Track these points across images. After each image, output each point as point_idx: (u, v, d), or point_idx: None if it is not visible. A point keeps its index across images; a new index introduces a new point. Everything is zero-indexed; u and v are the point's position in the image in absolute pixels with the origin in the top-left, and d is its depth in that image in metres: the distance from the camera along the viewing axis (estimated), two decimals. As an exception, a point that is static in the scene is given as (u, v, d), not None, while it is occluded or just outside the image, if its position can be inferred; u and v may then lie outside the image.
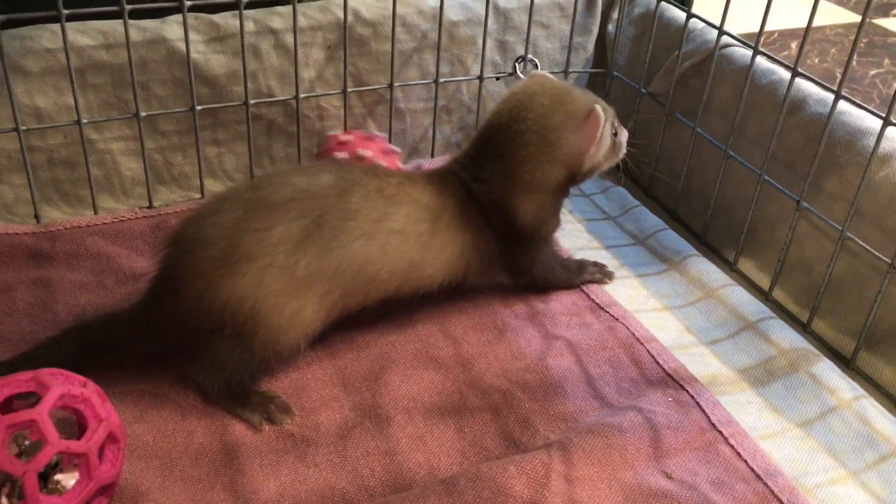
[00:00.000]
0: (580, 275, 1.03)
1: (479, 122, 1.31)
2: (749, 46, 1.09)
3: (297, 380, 0.88)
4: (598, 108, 0.91)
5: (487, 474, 0.75)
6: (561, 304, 1.01)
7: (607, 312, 1.00)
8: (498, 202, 0.92)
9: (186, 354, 0.83)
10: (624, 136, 1.00)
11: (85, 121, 1.05)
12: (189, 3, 1.03)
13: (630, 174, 1.31)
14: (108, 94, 1.08)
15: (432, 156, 1.30)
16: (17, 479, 0.67)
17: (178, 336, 0.82)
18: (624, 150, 1.00)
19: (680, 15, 1.22)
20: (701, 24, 1.18)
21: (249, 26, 1.11)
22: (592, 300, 1.02)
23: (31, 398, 0.69)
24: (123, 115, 1.09)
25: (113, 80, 1.08)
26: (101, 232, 1.07)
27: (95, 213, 1.11)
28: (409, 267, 0.88)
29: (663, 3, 1.23)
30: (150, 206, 1.14)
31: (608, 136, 0.95)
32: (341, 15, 1.16)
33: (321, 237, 0.82)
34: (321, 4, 1.17)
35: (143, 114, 1.08)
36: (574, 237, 1.15)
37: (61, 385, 0.68)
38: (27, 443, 0.70)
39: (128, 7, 1.00)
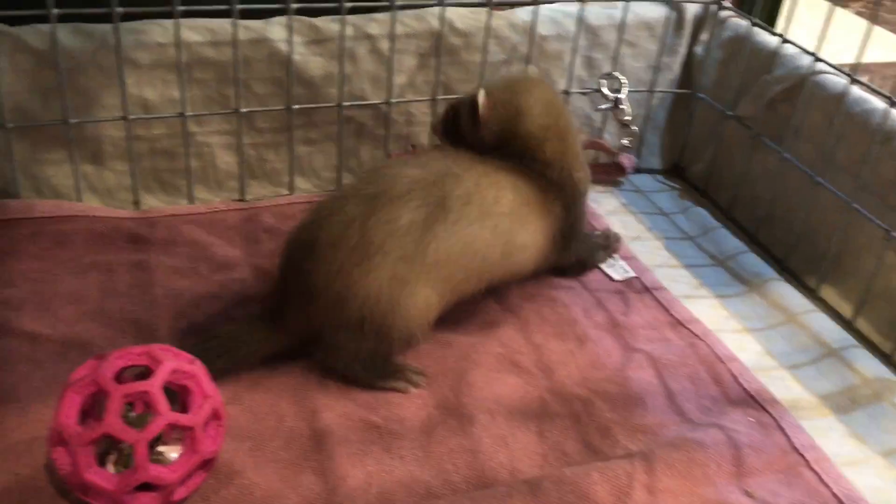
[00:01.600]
0: (606, 246, 1.11)
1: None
2: (844, 74, 1.09)
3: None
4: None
5: (572, 478, 0.76)
6: (641, 317, 1.02)
7: (688, 329, 1.00)
8: (567, 180, 0.97)
9: (320, 348, 0.86)
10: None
11: (189, 114, 1.10)
12: (295, 6, 1.07)
13: (709, 196, 1.32)
14: (210, 89, 1.13)
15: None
16: (126, 446, 0.70)
17: (313, 335, 0.86)
18: None
19: (770, 39, 1.22)
20: (793, 50, 1.18)
21: (348, 31, 1.14)
22: (673, 316, 1.02)
23: (140, 370, 0.73)
24: (224, 111, 1.13)
25: (216, 76, 1.12)
26: (196, 221, 1.11)
27: (191, 202, 1.16)
28: (515, 249, 0.92)
29: (753, 28, 1.23)
30: (242, 199, 1.18)
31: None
32: (435, 24, 1.19)
33: (445, 222, 0.86)
34: (417, 13, 1.20)
35: (244, 110, 1.12)
36: (653, 255, 1.16)
37: (172, 360, 0.72)
38: (132, 414, 0.73)
39: (238, 7, 1.04)
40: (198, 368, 0.74)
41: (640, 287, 1.07)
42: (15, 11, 0.99)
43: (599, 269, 1.10)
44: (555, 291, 1.04)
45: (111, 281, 0.99)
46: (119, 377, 0.72)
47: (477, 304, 1.00)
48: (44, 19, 1.00)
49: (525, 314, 1.00)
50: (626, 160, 1.32)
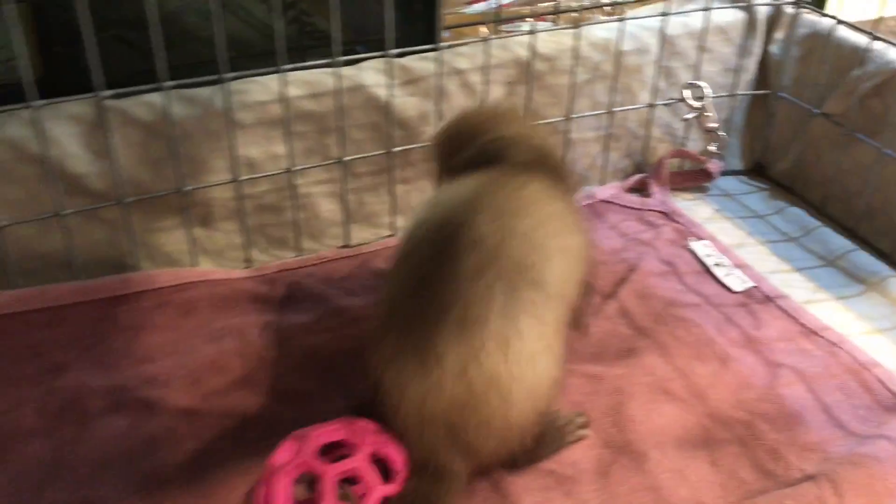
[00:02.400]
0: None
1: (645, 147, 1.34)
2: (941, 67, 1.10)
3: (539, 416, 0.90)
4: None
5: (765, 508, 0.77)
6: (773, 330, 1.03)
7: (822, 337, 1.01)
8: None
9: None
10: None
11: (295, 168, 1.09)
12: (395, 52, 1.07)
13: (797, 194, 1.32)
14: (311, 140, 1.12)
15: (601, 183, 1.32)
16: None
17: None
18: None
19: (852, 35, 1.22)
20: (880, 45, 1.19)
21: (438, 67, 1.14)
22: (803, 325, 1.03)
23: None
24: (327, 161, 1.13)
25: (316, 127, 1.12)
26: (311, 273, 1.11)
27: (299, 253, 1.16)
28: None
29: (838, 24, 1.24)
30: (347, 245, 1.18)
31: None
32: (520, 52, 1.19)
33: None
34: (501, 42, 1.20)
35: (347, 158, 1.12)
36: (762, 260, 1.16)
37: (370, 432, 0.72)
38: (341, 490, 0.73)
39: (341, 59, 1.04)
40: (388, 434, 0.74)
41: (762, 297, 1.08)
42: (129, 88, 0.98)
43: (717, 280, 1.11)
44: (681, 310, 1.05)
45: (247, 346, 0.99)
46: (322, 455, 0.72)
47: (607, 330, 1.01)
48: (146, 90, 1.00)
49: (661, 337, 1.00)
50: (713, 166, 1.33)
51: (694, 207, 1.29)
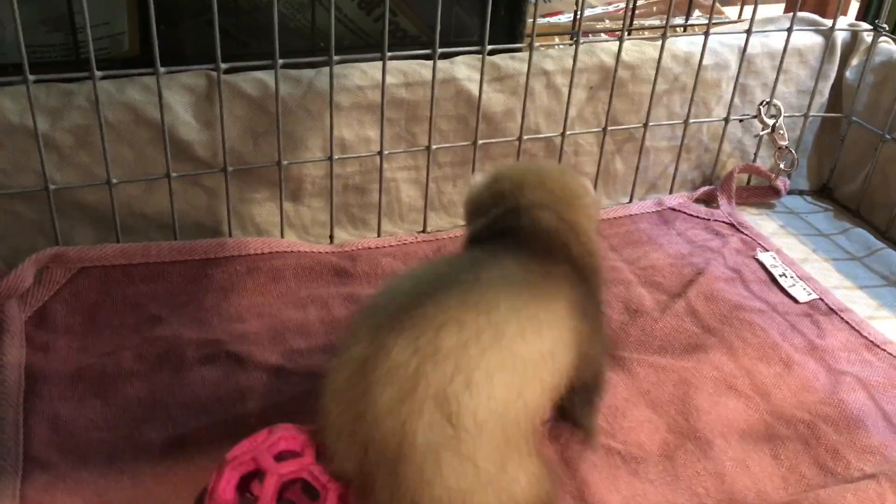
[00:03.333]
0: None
1: (716, 161, 1.38)
2: None
3: (609, 402, 0.94)
4: None
5: (826, 499, 0.80)
6: (836, 340, 1.06)
7: (884, 350, 1.04)
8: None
9: None
10: None
11: (385, 152, 1.15)
12: (489, 48, 1.13)
13: (862, 217, 1.35)
14: (400, 127, 1.18)
15: (670, 191, 1.36)
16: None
17: None
18: None
19: (928, 64, 1.26)
20: (956, 75, 1.22)
21: (525, 68, 1.19)
22: (866, 338, 1.06)
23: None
24: (414, 148, 1.18)
25: (406, 115, 1.17)
26: (391, 253, 1.17)
27: (379, 235, 1.21)
28: None
29: (909, 53, 1.27)
30: (424, 231, 1.23)
31: None
32: (605, 58, 1.24)
33: None
34: (587, 48, 1.25)
35: (434, 146, 1.18)
36: (825, 276, 1.20)
37: None
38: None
39: (439, 50, 1.10)
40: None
41: (826, 309, 1.11)
42: (242, 63, 1.04)
43: (782, 289, 1.14)
44: (747, 314, 1.08)
45: (329, 315, 1.04)
46: (278, 458, 0.71)
47: (674, 327, 1.05)
48: (257, 67, 1.06)
49: (728, 338, 1.04)
50: (782, 183, 1.36)
51: (760, 222, 1.33)
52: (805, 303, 1.12)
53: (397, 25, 1.24)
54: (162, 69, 0.99)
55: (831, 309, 1.11)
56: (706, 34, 1.25)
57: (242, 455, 0.71)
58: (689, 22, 1.55)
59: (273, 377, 0.94)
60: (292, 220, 1.18)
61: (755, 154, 1.38)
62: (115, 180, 1.04)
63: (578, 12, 1.33)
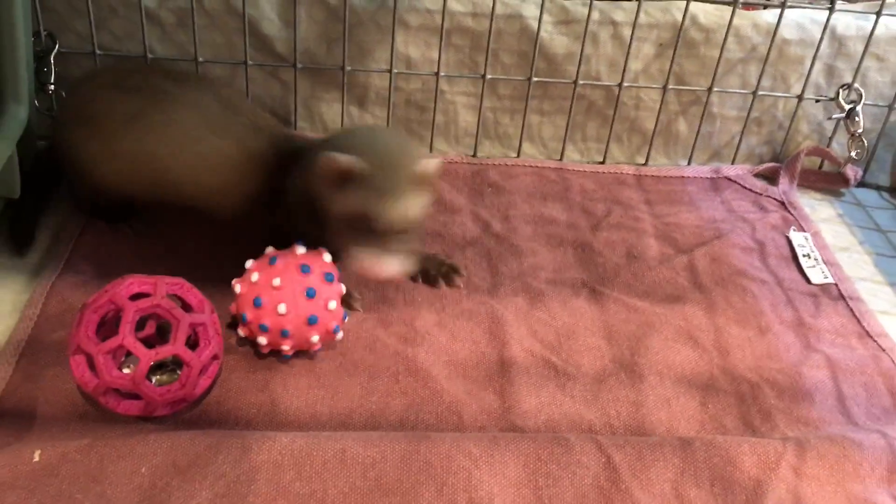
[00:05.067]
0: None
1: (789, 139, 1.35)
2: None
3: (569, 325, 1.01)
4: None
5: (722, 444, 0.83)
6: (829, 322, 1.04)
7: (875, 342, 1.02)
8: None
9: None
10: None
11: (442, 74, 1.25)
12: (551, -12, 1.19)
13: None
14: (463, 54, 1.27)
15: (733, 162, 1.36)
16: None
17: None
18: None
19: None
20: None
21: (595, 15, 1.24)
22: (863, 327, 1.04)
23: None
24: (472, 75, 1.27)
25: (471, 43, 1.26)
26: (433, 168, 1.27)
27: (430, 151, 1.32)
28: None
29: None
30: (474, 155, 1.32)
31: None
32: (678, 17, 1.26)
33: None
34: (663, 5, 1.27)
35: (489, 76, 1.26)
36: (858, 267, 1.16)
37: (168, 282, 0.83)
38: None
39: (501, -16, 1.18)
40: (210, 312, 0.84)
41: (836, 294, 1.09)
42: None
43: (800, 268, 1.13)
44: (746, 281, 1.09)
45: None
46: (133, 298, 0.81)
47: (666, 277, 1.08)
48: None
49: (713, 297, 1.06)
50: (851, 172, 1.32)
51: (817, 206, 1.29)
52: (817, 285, 1.11)
53: None
54: (249, -33, 1.14)
55: (842, 295, 1.09)
56: (783, 6, 1.22)
57: (99, 298, 0.81)
58: None
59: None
60: (356, 123, 1.31)
61: (830, 138, 1.34)
62: (202, 59, 1.21)
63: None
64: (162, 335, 0.85)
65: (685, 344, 0.99)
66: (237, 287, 0.90)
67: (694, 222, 1.21)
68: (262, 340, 0.88)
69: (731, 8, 1.24)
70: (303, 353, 0.92)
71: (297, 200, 0.92)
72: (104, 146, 0.98)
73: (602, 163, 1.34)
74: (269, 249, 0.92)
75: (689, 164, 1.35)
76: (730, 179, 1.32)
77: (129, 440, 0.78)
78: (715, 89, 1.28)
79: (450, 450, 0.80)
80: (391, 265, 0.86)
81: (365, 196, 0.84)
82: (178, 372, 0.82)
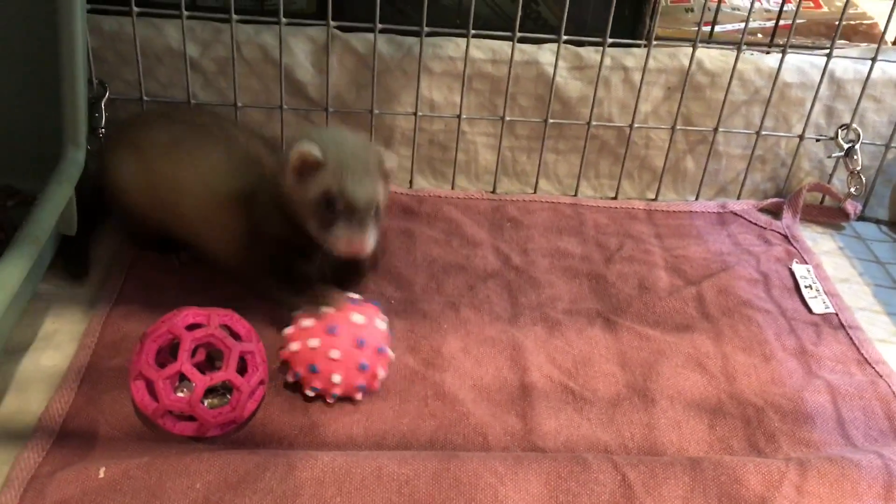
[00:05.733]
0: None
1: (791, 176, 1.43)
2: None
3: (585, 352, 1.08)
4: None
5: (729, 463, 0.90)
6: (830, 350, 1.11)
7: (873, 368, 1.08)
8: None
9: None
10: None
11: (464, 116, 1.34)
12: (565, 38, 1.27)
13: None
14: (483, 98, 1.36)
15: (738, 197, 1.43)
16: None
17: None
18: None
19: None
20: None
21: (606, 61, 1.32)
22: (861, 354, 1.11)
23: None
24: (492, 117, 1.36)
25: (490, 87, 1.35)
26: (455, 203, 1.35)
27: (452, 188, 1.40)
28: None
29: None
30: (493, 192, 1.40)
31: None
32: (684, 62, 1.34)
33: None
34: (670, 51, 1.36)
35: (508, 118, 1.34)
36: (858, 298, 1.23)
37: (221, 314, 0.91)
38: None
39: (518, 34, 1.26)
40: (256, 341, 0.92)
41: (837, 323, 1.16)
42: (348, 23, 1.27)
43: (802, 298, 1.20)
44: (751, 311, 1.16)
45: (383, 240, 1.25)
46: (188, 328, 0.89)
47: (675, 308, 1.15)
48: (366, 28, 1.28)
49: (720, 326, 1.13)
50: (851, 207, 1.39)
51: (819, 239, 1.37)
52: (818, 314, 1.18)
53: (538, 14, 1.40)
54: (285, 20, 1.23)
55: (842, 324, 1.16)
56: (783, 52, 1.31)
57: (158, 329, 0.89)
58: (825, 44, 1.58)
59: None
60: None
61: (831, 175, 1.41)
62: (240, 104, 1.30)
63: (651, 19, 1.42)
64: (210, 362, 0.93)
65: (694, 370, 1.06)
66: (292, 345, 0.95)
67: (702, 255, 1.28)
68: (310, 394, 0.96)
69: (734, 53, 1.33)
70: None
71: (268, 204, 1.00)
72: (142, 170, 1.07)
73: (614, 198, 1.42)
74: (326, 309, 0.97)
75: (696, 199, 1.43)
76: (736, 214, 1.40)
77: (184, 458, 0.86)
78: (721, 129, 1.36)
79: (477, 468, 0.87)
80: (360, 241, 0.94)
81: (330, 177, 0.94)
82: (228, 396, 0.90)
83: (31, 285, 1.04)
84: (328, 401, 0.96)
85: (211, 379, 0.86)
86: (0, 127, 1.19)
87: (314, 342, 0.94)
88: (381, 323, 0.99)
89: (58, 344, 1.01)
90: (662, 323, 1.13)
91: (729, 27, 1.82)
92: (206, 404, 0.88)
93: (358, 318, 0.96)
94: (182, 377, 0.87)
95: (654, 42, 1.30)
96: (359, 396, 0.97)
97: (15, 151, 1.20)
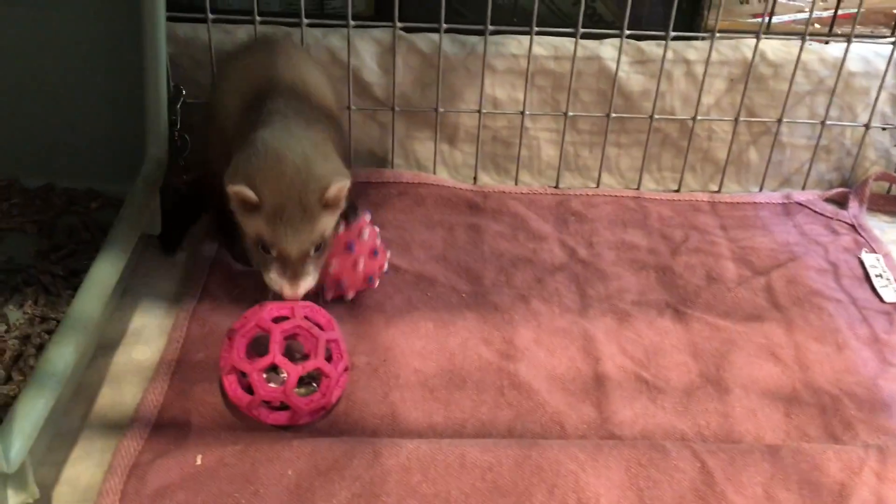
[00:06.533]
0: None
1: (857, 165, 1.42)
2: None
3: (656, 343, 1.09)
4: None
5: (808, 450, 0.90)
6: (903, 338, 1.11)
7: (949, 357, 1.08)
8: None
9: None
10: None
11: (527, 112, 1.35)
12: (628, 33, 1.29)
13: None
14: (546, 94, 1.37)
15: (803, 188, 1.43)
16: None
17: None
18: None
19: None
20: None
21: (669, 55, 1.33)
22: (937, 343, 1.10)
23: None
24: (555, 112, 1.37)
25: (553, 83, 1.36)
26: (519, 198, 1.37)
27: (516, 184, 1.42)
28: None
29: None
30: (556, 187, 1.42)
31: None
32: (747, 54, 1.34)
33: None
34: (733, 43, 1.36)
35: (570, 114, 1.36)
36: (930, 286, 1.22)
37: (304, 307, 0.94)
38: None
39: (581, 30, 1.28)
40: (337, 329, 0.95)
41: (910, 312, 1.16)
42: (414, 24, 1.30)
43: (873, 288, 1.19)
44: (822, 301, 1.16)
45: (452, 236, 1.27)
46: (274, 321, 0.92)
47: (745, 298, 1.16)
48: (430, 29, 1.31)
49: (792, 316, 1.13)
50: (919, 196, 1.38)
51: (887, 228, 1.36)
52: (890, 303, 1.17)
53: (594, 10, 1.42)
54: (353, 23, 1.26)
55: (915, 313, 1.16)
56: (848, 41, 1.30)
57: (246, 323, 0.92)
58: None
59: (394, 274, 1.19)
60: (446, 159, 1.42)
61: (898, 165, 1.41)
62: (309, 105, 1.34)
63: (717, 10, 1.42)
64: (289, 353, 0.96)
65: (767, 360, 1.06)
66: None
67: (768, 246, 1.28)
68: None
69: (797, 43, 1.32)
70: (411, 365, 1.02)
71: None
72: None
73: (677, 191, 1.42)
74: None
75: (760, 190, 1.43)
76: (801, 204, 1.39)
77: (275, 446, 0.89)
78: (785, 120, 1.36)
79: (558, 455, 0.89)
80: (292, 289, 0.93)
81: (264, 224, 0.92)
82: (314, 384, 0.93)
83: (121, 284, 1.09)
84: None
85: (304, 368, 0.89)
86: (82, 134, 1.24)
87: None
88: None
89: (147, 339, 1.05)
90: (732, 313, 1.14)
91: (785, 18, 1.81)
92: (297, 393, 0.91)
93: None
94: (272, 368, 0.90)
95: (717, 35, 1.30)
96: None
97: (96, 156, 1.25)
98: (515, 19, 1.34)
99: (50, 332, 1.00)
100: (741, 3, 1.87)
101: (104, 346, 1.03)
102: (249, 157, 0.93)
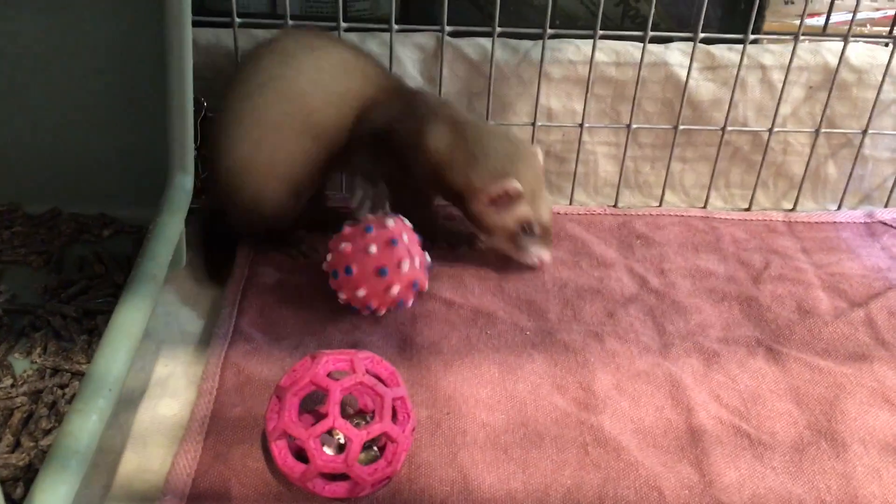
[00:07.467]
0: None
1: (944, 180, 1.29)
2: None
3: (752, 388, 0.96)
4: None
5: (954, 522, 0.78)
6: None
7: None
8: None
9: None
10: None
11: (586, 125, 1.22)
12: (702, 35, 1.16)
13: None
14: (605, 104, 1.24)
15: (886, 205, 1.30)
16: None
17: None
18: None
19: None
20: None
21: (742, 60, 1.20)
22: None
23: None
24: (616, 125, 1.24)
25: (613, 92, 1.23)
26: (577, 220, 1.24)
27: (570, 203, 1.29)
28: None
29: None
30: (615, 206, 1.29)
31: None
32: (829, 59, 1.21)
33: None
34: (812, 47, 1.23)
35: (634, 126, 1.23)
36: None
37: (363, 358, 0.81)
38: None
39: (650, 34, 1.15)
40: (402, 384, 0.82)
41: None
42: (463, 27, 1.17)
43: None
44: (931, 337, 1.03)
45: (507, 265, 1.14)
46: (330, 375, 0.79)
47: (845, 334, 1.03)
48: (481, 33, 1.18)
49: (898, 353, 1.01)
50: None
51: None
52: None
53: (637, 11, 1.29)
54: (396, 26, 1.13)
55: None
56: (945, 43, 1.18)
57: (299, 380, 0.79)
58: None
59: (446, 308, 1.05)
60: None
61: None
62: (345, 119, 1.20)
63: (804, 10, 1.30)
64: (342, 408, 0.82)
65: (882, 407, 0.93)
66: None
67: (859, 272, 1.15)
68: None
69: (886, 48, 1.20)
70: (478, 417, 0.89)
71: (426, 177, 1.07)
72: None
73: (748, 209, 1.29)
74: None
75: (839, 208, 1.30)
76: (885, 224, 1.27)
77: (332, 524, 0.76)
78: (870, 131, 1.23)
79: (666, 532, 0.76)
80: (549, 256, 1.10)
81: (528, 208, 1.06)
82: (374, 449, 0.80)
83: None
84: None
85: (368, 434, 0.75)
86: (91, 152, 1.11)
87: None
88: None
89: (174, 390, 0.92)
90: (833, 352, 1.01)
91: (836, 18, 1.69)
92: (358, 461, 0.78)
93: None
94: (328, 431, 0.77)
95: (801, 37, 1.18)
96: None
97: (107, 180, 1.12)
98: (558, 21, 1.21)
99: (63, 387, 0.86)
100: (785, 3, 1.75)
101: (125, 401, 0.90)
102: (489, 155, 1.04)
